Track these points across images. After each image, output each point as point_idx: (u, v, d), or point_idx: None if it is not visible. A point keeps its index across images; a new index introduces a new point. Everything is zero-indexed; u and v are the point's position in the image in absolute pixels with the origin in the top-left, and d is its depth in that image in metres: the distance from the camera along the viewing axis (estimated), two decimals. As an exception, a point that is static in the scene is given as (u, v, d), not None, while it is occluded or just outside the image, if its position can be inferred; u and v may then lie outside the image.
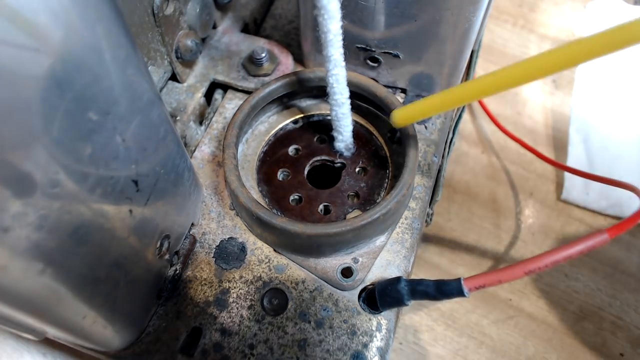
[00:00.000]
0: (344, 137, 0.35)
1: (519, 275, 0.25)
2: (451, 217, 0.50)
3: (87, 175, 0.20)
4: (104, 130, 0.20)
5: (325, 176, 0.37)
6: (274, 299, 0.31)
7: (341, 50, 0.30)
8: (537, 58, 0.22)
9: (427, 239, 0.49)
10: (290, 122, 0.38)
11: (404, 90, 0.39)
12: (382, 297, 0.30)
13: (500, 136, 0.55)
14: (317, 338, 0.30)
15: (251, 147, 0.37)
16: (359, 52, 0.37)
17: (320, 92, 0.37)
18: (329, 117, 0.38)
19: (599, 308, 0.46)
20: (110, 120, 0.21)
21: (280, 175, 0.35)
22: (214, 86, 0.41)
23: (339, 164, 0.36)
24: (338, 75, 0.31)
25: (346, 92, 0.32)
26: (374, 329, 0.31)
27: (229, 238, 0.33)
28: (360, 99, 0.37)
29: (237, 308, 0.31)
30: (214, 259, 0.33)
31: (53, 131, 0.18)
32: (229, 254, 0.33)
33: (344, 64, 0.30)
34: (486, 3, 0.32)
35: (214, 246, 0.33)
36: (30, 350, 0.43)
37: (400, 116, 0.31)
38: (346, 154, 0.36)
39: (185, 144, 0.38)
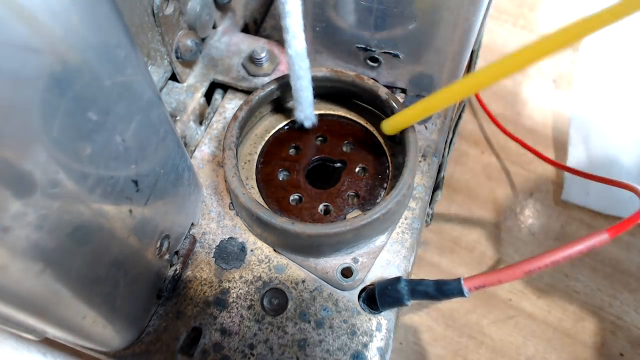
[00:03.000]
0: (303, 107, 0.35)
1: (519, 275, 0.25)
2: (451, 217, 0.50)
3: (87, 175, 0.20)
4: (104, 130, 0.20)
5: (325, 176, 0.37)
6: (274, 299, 0.31)
7: (300, 22, 0.30)
8: (520, 52, 0.24)
9: (427, 239, 0.49)
10: (290, 122, 0.38)
11: (404, 90, 0.39)
12: (382, 297, 0.29)
13: (500, 136, 0.55)
14: (317, 338, 0.30)
15: (251, 147, 0.37)
16: (359, 52, 0.37)
17: (320, 91, 0.37)
18: (329, 117, 0.38)
19: (599, 308, 0.46)
20: (110, 120, 0.21)
21: (280, 175, 0.35)
22: (214, 86, 0.41)
23: (338, 164, 0.36)
24: (297, 47, 0.31)
25: (305, 64, 0.32)
26: (374, 329, 0.31)
27: (229, 238, 0.33)
28: (360, 99, 0.37)
29: (237, 308, 0.31)
30: (214, 259, 0.33)
31: (53, 131, 0.18)
32: (229, 254, 0.33)
33: (302, 35, 0.30)
34: (486, 3, 0.32)
35: (214, 246, 0.33)
36: (30, 350, 0.43)
37: (390, 125, 0.32)
38: (307, 123, 0.36)
39: (185, 144, 0.38)
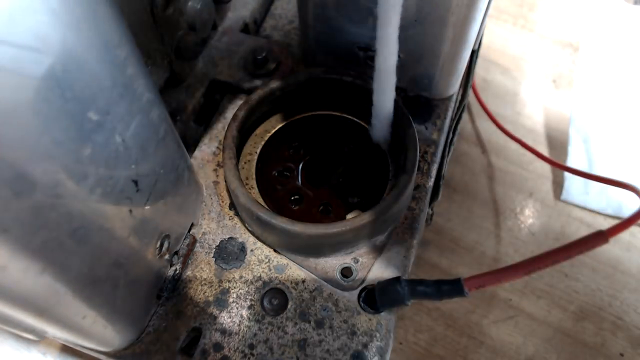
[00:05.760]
0: (383, 125, 0.32)
1: (519, 275, 0.25)
2: (451, 217, 0.50)
3: (87, 175, 0.20)
4: (104, 130, 0.20)
5: (325, 176, 0.37)
6: (274, 299, 0.31)
7: (396, 33, 0.27)
8: None
9: (427, 239, 0.49)
10: (290, 122, 0.38)
11: (404, 90, 0.39)
12: (382, 297, 0.29)
13: (500, 136, 0.55)
14: (317, 338, 0.30)
15: (251, 147, 0.37)
16: (359, 52, 0.37)
17: (321, 91, 0.37)
18: (329, 117, 0.38)
19: (599, 308, 0.46)
20: (110, 120, 0.21)
21: (280, 175, 0.35)
22: (214, 86, 0.41)
23: (339, 164, 0.36)
24: (389, 59, 0.28)
25: (393, 79, 0.30)
26: (374, 329, 0.31)
27: (229, 238, 0.33)
28: (360, 99, 0.37)
29: (237, 308, 0.31)
30: (214, 259, 0.33)
31: (53, 131, 0.18)
32: (229, 254, 0.33)
33: (396, 47, 0.28)
34: (486, 3, 0.32)
35: (214, 246, 0.33)
36: (30, 350, 0.43)
37: None
38: (384, 146, 0.34)
39: (185, 144, 0.38)
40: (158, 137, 0.25)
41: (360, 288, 0.32)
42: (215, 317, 0.31)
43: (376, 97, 0.32)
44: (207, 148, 0.37)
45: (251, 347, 0.30)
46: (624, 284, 0.47)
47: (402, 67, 0.37)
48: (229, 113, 0.39)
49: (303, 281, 0.32)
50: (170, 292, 0.31)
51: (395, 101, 0.34)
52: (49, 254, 0.19)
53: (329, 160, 0.36)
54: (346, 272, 0.32)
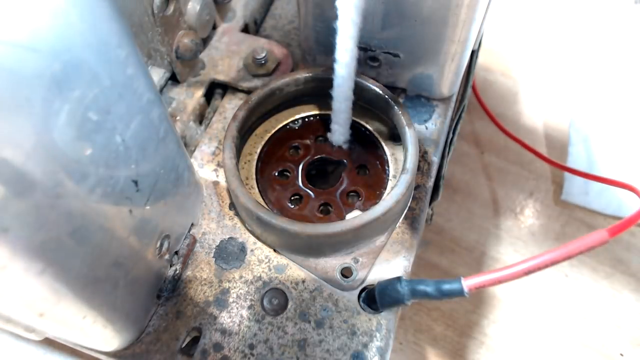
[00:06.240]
0: (344, 129, 0.35)
1: (519, 275, 0.25)
2: (451, 217, 0.50)
3: (87, 175, 0.20)
4: (104, 130, 0.20)
5: (325, 176, 0.37)
6: (274, 299, 0.31)
7: (354, 42, 0.30)
8: None
9: (427, 239, 0.49)
10: (290, 121, 0.38)
11: (404, 90, 0.39)
12: (382, 297, 0.29)
13: (500, 136, 0.55)
14: (317, 338, 0.30)
15: (251, 147, 0.37)
16: (359, 52, 0.37)
17: (321, 91, 0.37)
18: (329, 117, 0.38)
19: (599, 308, 0.46)
20: (110, 120, 0.21)
21: (280, 175, 0.35)
22: (214, 86, 0.41)
23: (338, 164, 0.36)
24: (347, 68, 0.31)
25: (352, 85, 0.32)
26: (374, 329, 0.31)
27: (229, 238, 0.33)
28: (360, 99, 0.37)
29: (237, 308, 0.31)
30: (214, 259, 0.33)
31: (53, 131, 0.18)
32: (229, 254, 0.33)
33: (355, 55, 0.30)
34: (486, 3, 0.32)
35: (214, 246, 0.33)
36: (30, 350, 0.43)
37: None
38: (345, 146, 0.36)
39: (185, 144, 0.38)
40: (158, 137, 0.25)
41: (360, 288, 0.32)
42: (215, 317, 0.31)
43: (337, 103, 0.33)
44: (207, 148, 0.37)
45: (251, 347, 0.30)
46: (624, 284, 0.47)
47: (402, 67, 0.37)
48: (229, 113, 0.39)
49: (303, 281, 0.32)
50: (170, 292, 0.31)
51: (396, 101, 0.34)
52: (49, 254, 0.19)
53: (329, 160, 0.36)
54: (346, 272, 0.32)
